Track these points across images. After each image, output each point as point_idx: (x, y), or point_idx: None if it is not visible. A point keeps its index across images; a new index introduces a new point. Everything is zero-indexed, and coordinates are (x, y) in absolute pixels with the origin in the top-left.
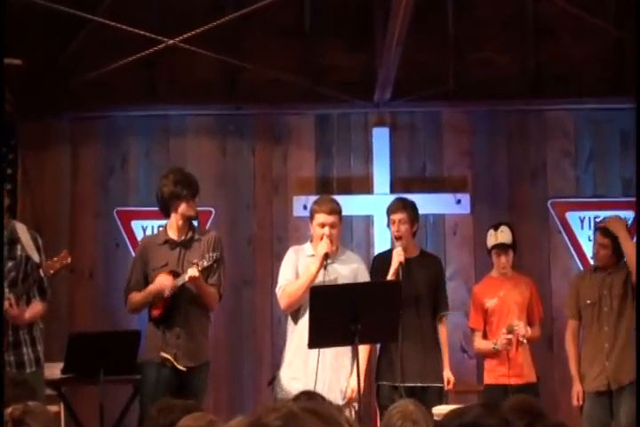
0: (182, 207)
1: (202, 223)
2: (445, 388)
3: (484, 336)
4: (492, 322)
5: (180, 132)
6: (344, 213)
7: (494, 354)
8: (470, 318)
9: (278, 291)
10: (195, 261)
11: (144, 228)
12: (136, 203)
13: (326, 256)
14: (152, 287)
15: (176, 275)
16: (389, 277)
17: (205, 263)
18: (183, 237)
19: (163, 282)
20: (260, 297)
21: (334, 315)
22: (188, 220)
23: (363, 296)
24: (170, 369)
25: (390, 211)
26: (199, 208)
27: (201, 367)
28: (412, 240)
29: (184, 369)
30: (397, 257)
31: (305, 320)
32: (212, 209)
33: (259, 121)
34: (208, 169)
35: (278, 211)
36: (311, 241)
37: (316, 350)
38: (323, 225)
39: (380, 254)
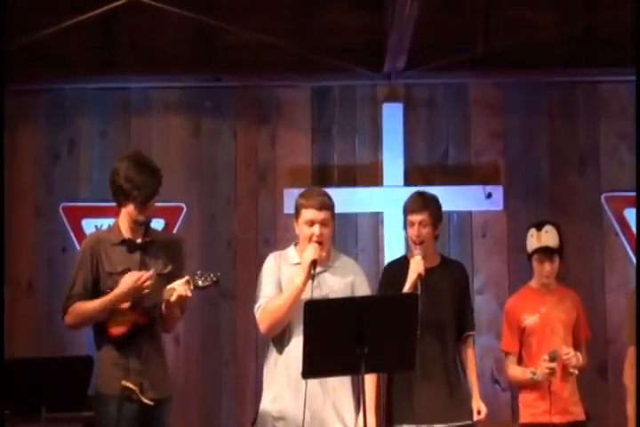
0: (130, 209)
1: (170, 223)
2: (475, 418)
3: (520, 362)
4: (530, 344)
5: (143, 108)
6: (347, 209)
7: (533, 385)
8: (503, 339)
9: (257, 310)
10: (185, 278)
11: (98, 228)
12: (87, 197)
13: (314, 264)
14: (116, 292)
15: None
16: (405, 291)
17: (200, 283)
18: (142, 239)
19: (128, 282)
20: (242, 314)
21: (335, 336)
22: (137, 222)
23: (371, 313)
24: (134, 403)
25: (408, 210)
26: (166, 204)
27: (168, 401)
28: (434, 246)
29: (151, 403)
30: (416, 267)
31: (292, 346)
32: (184, 205)
33: (241, 95)
34: (178, 155)
35: (265, 207)
36: (296, 245)
37: (310, 381)
38: (311, 223)
39: (391, 264)
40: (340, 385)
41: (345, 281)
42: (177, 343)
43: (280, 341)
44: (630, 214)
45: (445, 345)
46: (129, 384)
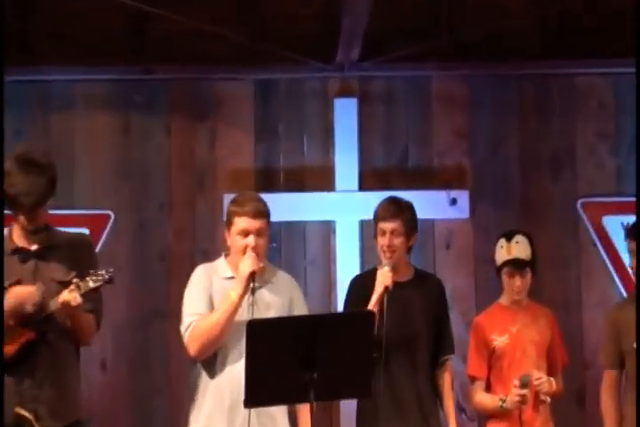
0: (20, 218)
1: (96, 233)
2: None
3: (489, 388)
4: (499, 368)
5: (65, 104)
6: (295, 217)
7: (502, 414)
8: (470, 362)
9: (185, 330)
10: (74, 280)
11: None
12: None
13: (253, 276)
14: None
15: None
16: (370, 307)
17: (91, 284)
18: (37, 246)
19: (20, 293)
20: (175, 334)
21: (281, 360)
22: (29, 232)
23: (321, 333)
24: None
25: (379, 217)
26: (91, 211)
27: None
28: (406, 258)
29: None
30: (383, 279)
31: (226, 370)
32: (111, 213)
33: (176, 89)
34: (105, 156)
35: (203, 215)
36: (226, 256)
37: (245, 411)
38: (246, 233)
39: (360, 276)
40: (281, 415)
41: (283, 299)
42: (103, 368)
43: (211, 364)
44: (609, 222)
45: (417, 368)
46: (22, 412)
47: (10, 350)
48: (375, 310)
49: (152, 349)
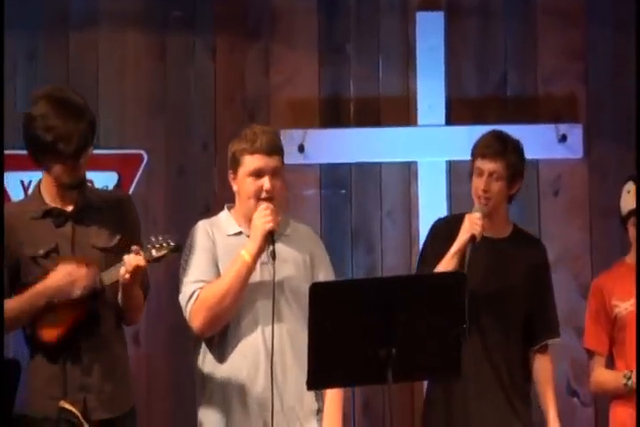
0: (56, 170)
1: (126, 177)
2: None
3: (610, 365)
4: (622, 341)
5: (87, 21)
6: (369, 158)
7: (628, 395)
8: (586, 333)
9: (187, 301)
10: (133, 248)
11: (25, 185)
12: (11, 142)
13: (272, 235)
14: (40, 288)
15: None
16: (446, 261)
17: (154, 253)
18: (73, 207)
19: (71, 273)
20: None
21: (351, 332)
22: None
23: (400, 300)
24: None
25: (478, 153)
26: (120, 151)
27: (128, 419)
28: (506, 209)
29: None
30: (470, 226)
31: (239, 349)
32: (144, 153)
33: (222, 3)
34: (136, 84)
35: None
36: (230, 209)
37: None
38: (259, 173)
39: (444, 220)
40: (312, 414)
41: (303, 254)
42: (136, 343)
43: (220, 343)
44: None
45: (509, 347)
46: (67, 405)
47: (53, 333)
48: (452, 263)
49: None
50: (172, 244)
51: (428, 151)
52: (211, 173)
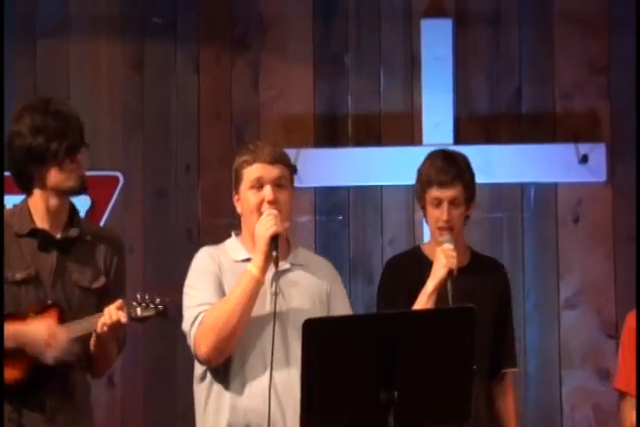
0: (52, 176)
1: (100, 202)
2: None
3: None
4: None
5: (56, 26)
6: (369, 180)
7: None
8: (619, 372)
9: (191, 325)
10: (118, 302)
11: None
12: None
13: (275, 241)
14: (17, 331)
15: (62, 316)
16: (424, 301)
17: (139, 313)
18: (61, 233)
19: (45, 333)
20: None
21: (349, 373)
22: (66, 196)
23: (404, 337)
24: None
25: (433, 181)
26: (94, 173)
27: None
28: (463, 234)
29: None
30: (446, 260)
31: (244, 378)
32: (120, 175)
33: (207, 8)
34: (111, 97)
35: None
36: (238, 235)
37: None
38: (260, 183)
39: (399, 257)
40: None
41: (319, 285)
42: (110, 384)
43: (225, 370)
44: None
45: (482, 384)
46: None
47: (14, 374)
48: (430, 302)
49: (177, 357)
50: (160, 307)
51: None
52: (194, 196)
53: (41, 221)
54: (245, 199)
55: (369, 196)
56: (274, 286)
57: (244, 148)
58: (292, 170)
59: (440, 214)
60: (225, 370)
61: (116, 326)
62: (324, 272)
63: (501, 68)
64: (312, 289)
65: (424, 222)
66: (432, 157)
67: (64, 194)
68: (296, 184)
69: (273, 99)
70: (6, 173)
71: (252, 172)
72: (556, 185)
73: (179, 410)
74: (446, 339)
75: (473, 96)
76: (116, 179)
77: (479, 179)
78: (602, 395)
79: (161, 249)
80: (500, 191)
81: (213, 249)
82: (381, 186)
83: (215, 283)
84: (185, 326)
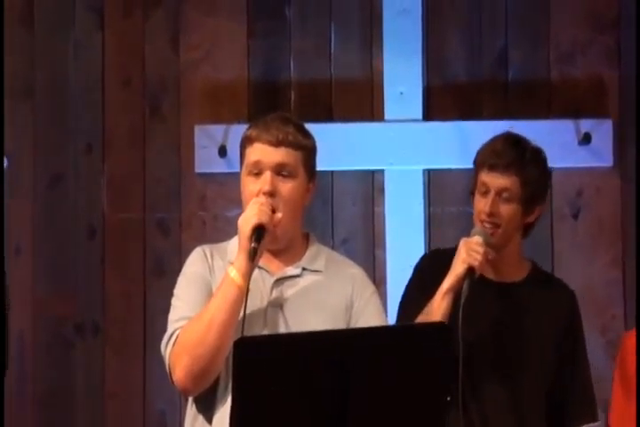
0: None
1: None
2: None
3: None
4: None
5: None
6: (317, 163)
7: None
8: (613, 406)
9: (165, 347)
10: None
11: None
12: None
13: (259, 232)
14: None
15: None
16: (435, 303)
17: None
18: None
19: None
20: (117, 364)
21: (293, 411)
22: None
23: (360, 361)
24: None
25: (485, 163)
26: None
27: None
28: (519, 243)
29: None
30: (467, 255)
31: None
32: (4, 159)
33: None
34: None
35: (160, 160)
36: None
37: None
38: (258, 168)
39: (439, 252)
40: None
41: (335, 302)
42: None
43: (209, 400)
44: None
45: (521, 421)
46: None
47: None
48: (445, 303)
49: (75, 389)
50: None
51: (398, 156)
52: (98, 184)
53: None
54: (243, 186)
55: (317, 183)
56: (272, 297)
57: (260, 119)
58: (308, 154)
59: (483, 205)
60: (208, 400)
61: None
62: (347, 282)
63: (483, 25)
64: (326, 302)
65: (385, 216)
66: (496, 137)
67: None
68: (225, 169)
69: (197, 62)
70: None
71: (251, 153)
72: (550, 170)
73: None
74: (412, 364)
75: (447, 60)
76: None
77: (454, 163)
78: None
79: (55, 251)
80: None
81: (210, 248)
82: (332, 171)
83: (201, 290)
84: (162, 346)
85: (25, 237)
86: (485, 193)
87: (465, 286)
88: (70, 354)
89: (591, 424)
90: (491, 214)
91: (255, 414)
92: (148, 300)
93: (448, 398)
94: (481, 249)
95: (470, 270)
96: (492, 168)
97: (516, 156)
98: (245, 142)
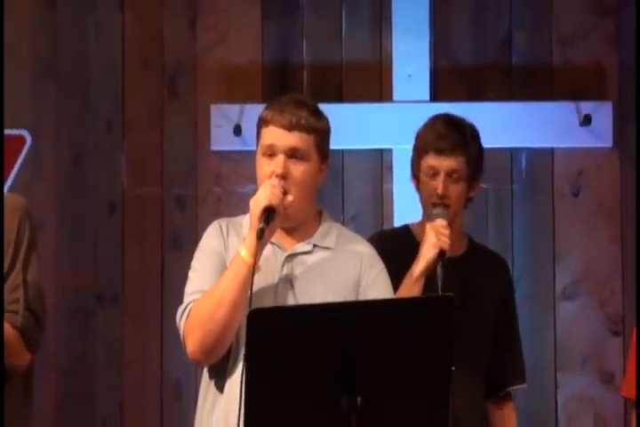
0: None
1: (6, 165)
2: None
3: None
4: None
5: None
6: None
7: None
8: (627, 378)
9: (180, 319)
10: None
11: None
12: None
13: (269, 213)
14: None
15: None
16: (409, 286)
17: None
18: None
19: None
20: (134, 332)
21: (303, 376)
22: None
23: (370, 333)
24: None
25: (431, 147)
26: None
27: None
28: (462, 218)
29: None
30: (436, 238)
31: (239, 378)
32: (27, 134)
33: None
34: (16, 40)
35: (178, 138)
36: None
37: None
38: (272, 152)
39: (385, 234)
40: None
41: (343, 278)
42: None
43: (221, 369)
44: None
45: (477, 390)
46: None
47: None
48: (417, 288)
49: (95, 354)
50: None
51: (406, 136)
52: (117, 161)
53: None
54: (258, 166)
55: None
56: (284, 272)
57: (280, 98)
58: (321, 136)
59: (435, 187)
60: (220, 369)
61: None
62: (356, 257)
63: (489, 9)
64: (335, 279)
65: (393, 193)
66: (434, 119)
67: None
68: (239, 147)
69: (213, 44)
70: None
71: (266, 135)
72: (552, 151)
73: (98, 417)
74: (419, 334)
75: (454, 43)
76: (23, 139)
77: None
78: (605, 403)
79: (77, 225)
80: (486, 158)
81: (226, 222)
82: (342, 150)
83: (215, 264)
84: (177, 315)
85: (49, 213)
86: (434, 175)
87: (439, 268)
88: (91, 324)
89: (520, 386)
90: (443, 196)
91: (266, 380)
92: (166, 272)
93: (453, 368)
94: (447, 231)
95: (441, 253)
96: (440, 151)
97: (459, 137)
98: (261, 123)
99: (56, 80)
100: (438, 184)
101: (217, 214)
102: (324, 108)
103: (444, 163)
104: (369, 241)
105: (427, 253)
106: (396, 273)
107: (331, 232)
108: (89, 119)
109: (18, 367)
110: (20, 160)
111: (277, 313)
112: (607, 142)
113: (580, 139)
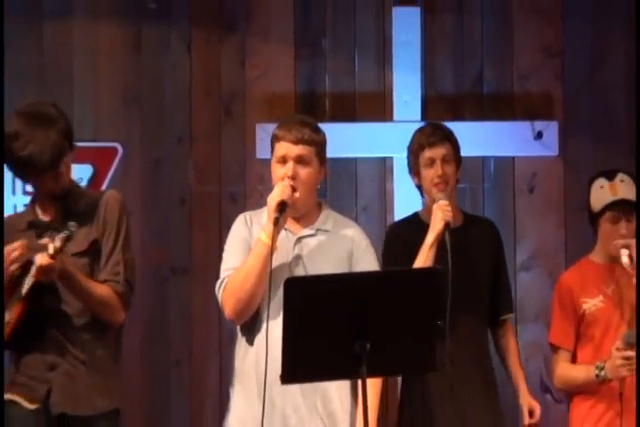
0: (40, 183)
1: (101, 171)
2: (526, 422)
3: (574, 361)
4: (590, 337)
5: (60, 10)
6: (344, 153)
7: (593, 390)
8: (552, 328)
9: (218, 290)
10: (44, 240)
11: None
12: None
13: (281, 207)
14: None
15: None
16: (424, 253)
17: (58, 243)
18: (51, 217)
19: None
20: (199, 294)
21: (326, 327)
22: (53, 194)
23: (375, 295)
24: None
25: (426, 144)
26: (94, 144)
27: (99, 421)
28: (454, 196)
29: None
30: (443, 213)
31: (263, 333)
32: (118, 146)
33: None
34: (110, 76)
35: (231, 149)
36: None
37: (283, 387)
38: (284, 160)
39: (399, 223)
40: (337, 391)
41: (339, 254)
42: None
43: (250, 327)
44: None
45: (483, 331)
46: (10, 397)
47: (6, 331)
48: (431, 254)
49: (170, 312)
50: (65, 233)
51: (403, 147)
52: (186, 165)
53: (40, 211)
54: (273, 170)
55: (344, 167)
56: (295, 251)
57: (285, 120)
58: (320, 147)
59: (434, 172)
60: (249, 327)
61: (44, 271)
62: (348, 237)
63: (465, 52)
64: (335, 254)
65: (394, 190)
66: (421, 127)
67: (49, 197)
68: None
69: (258, 77)
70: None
71: (279, 148)
72: (513, 158)
73: (172, 358)
74: (414, 297)
75: (439, 77)
76: (116, 149)
77: None
78: (548, 347)
79: (157, 214)
80: (464, 164)
81: (250, 214)
82: (356, 158)
83: (243, 247)
84: (216, 288)
85: (135, 205)
86: (432, 164)
87: (447, 236)
88: (167, 289)
89: (510, 314)
90: (442, 175)
91: (299, 328)
92: (222, 250)
93: (440, 322)
94: (449, 208)
95: (447, 225)
96: (432, 144)
97: (442, 132)
98: (274, 139)
99: (140, 104)
100: (437, 168)
101: (260, 206)
102: (342, 126)
103: (438, 151)
104: (387, 230)
105: (436, 226)
106: (413, 248)
107: (329, 218)
108: (165, 134)
109: (116, 322)
110: (114, 166)
111: (307, 280)
112: (554, 152)
113: (534, 149)
